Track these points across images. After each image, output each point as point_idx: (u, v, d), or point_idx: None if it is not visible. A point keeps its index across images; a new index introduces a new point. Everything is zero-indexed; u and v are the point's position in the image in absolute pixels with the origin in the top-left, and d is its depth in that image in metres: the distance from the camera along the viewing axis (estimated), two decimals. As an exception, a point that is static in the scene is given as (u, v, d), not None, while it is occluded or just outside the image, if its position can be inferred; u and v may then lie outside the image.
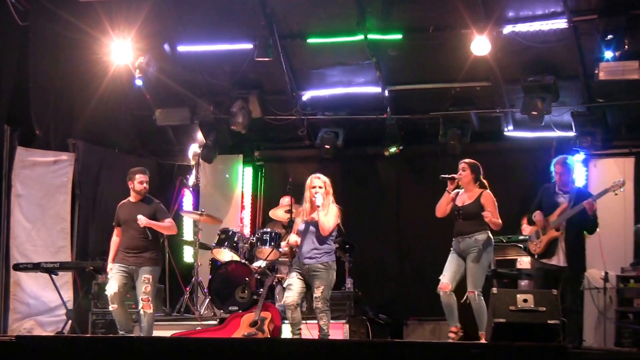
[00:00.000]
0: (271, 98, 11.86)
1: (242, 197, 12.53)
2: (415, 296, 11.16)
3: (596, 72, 9.95)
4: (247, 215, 12.44)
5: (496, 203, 8.35)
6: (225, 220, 11.80)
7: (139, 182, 8.85)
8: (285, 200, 10.06)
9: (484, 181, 8.49)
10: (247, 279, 9.92)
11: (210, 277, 10.58)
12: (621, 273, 10.15)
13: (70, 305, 10.46)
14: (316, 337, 8.21)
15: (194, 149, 12.21)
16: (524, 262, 10.01)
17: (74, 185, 11.15)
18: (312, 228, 8.16)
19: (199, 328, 9.56)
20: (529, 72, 10.63)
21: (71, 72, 11.11)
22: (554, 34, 10.35)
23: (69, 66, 11.08)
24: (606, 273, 9.99)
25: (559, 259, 8.39)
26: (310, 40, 11.21)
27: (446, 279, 8.27)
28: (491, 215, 8.20)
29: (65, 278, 10.69)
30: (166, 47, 11.41)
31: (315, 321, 8.19)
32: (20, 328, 10.46)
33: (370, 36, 10.91)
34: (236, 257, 10.48)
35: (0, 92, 10.58)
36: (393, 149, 11.46)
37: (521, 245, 9.84)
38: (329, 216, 8.13)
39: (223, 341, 7.91)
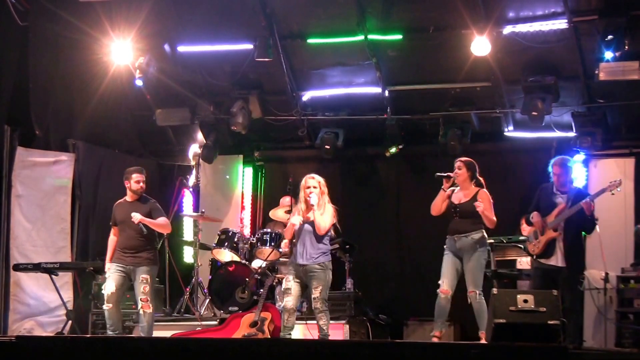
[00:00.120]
0: (271, 98, 11.86)
1: (242, 198, 12.52)
2: (415, 296, 11.15)
3: (596, 72, 9.95)
4: (247, 215, 12.44)
5: (492, 202, 8.34)
6: (225, 220, 11.80)
7: (135, 181, 8.85)
8: (286, 200, 10.07)
9: (480, 179, 8.49)
10: (247, 279, 9.92)
11: (210, 277, 10.59)
12: (621, 273, 10.15)
13: (70, 305, 10.47)
14: (316, 337, 8.20)
15: (194, 149, 12.20)
16: (524, 262, 10.02)
17: (74, 185, 11.16)
18: (308, 228, 8.17)
19: (199, 328, 9.56)
20: (529, 73, 10.63)
21: (71, 72, 11.11)
22: (554, 34, 10.35)
23: (69, 66, 11.08)
24: (606, 273, 9.99)
25: (557, 259, 8.39)
26: (310, 41, 11.21)
27: (446, 285, 8.27)
28: (485, 209, 8.20)
29: (65, 278, 10.69)
30: (166, 47, 11.41)
31: (316, 321, 8.18)
32: (20, 328, 10.46)
33: (371, 36, 10.91)
34: (236, 258, 10.48)
35: (0, 92, 10.58)
36: (393, 149, 11.46)
37: (521, 246, 9.83)
38: (325, 216, 8.15)
39: (223, 341, 7.91)
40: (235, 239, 10.56)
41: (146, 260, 8.72)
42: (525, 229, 8.73)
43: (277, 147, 12.51)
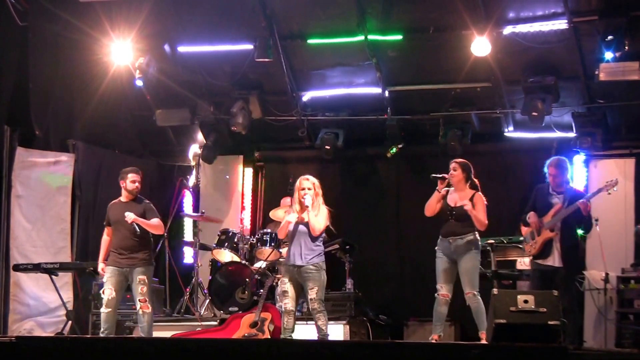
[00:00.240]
0: (271, 99, 11.86)
1: (243, 198, 12.53)
2: (415, 297, 11.14)
3: (596, 73, 9.96)
4: (247, 216, 12.44)
5: (486, 204, 8.32)
6: (226, 221, 11.80)
7: (131, 181, 8.84)
8: (286, 201, 10.08)
9: (475, 181, 8.48)
10: (247, 279, 9.92)
11: (210, 277, 10.57)
12: (622, 274, 10.15)
13: (70, 306, 10.47)
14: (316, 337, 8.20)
15: (194, 149, 12.21)
16: (524, 263, 10.00)
17: (74, 186, 11.15)
18: (302, 229, 8.17)
19: (199, 329, 9.56)
20: (529, 73, 10.63)
21: (71, 73, 11.11)
22: (555, 34, 10.35)
23: (68, 67, 11.08)
24: (606, 274, 9.98)
25: (554, 260, 8.38)
26: (310, 41, 11.21)
27: (445, 289, 8.27)
28: (476, 212, 8.18)
29: (65, 279, 10.68)
30: (166, 47, 11.41)
31: (314, 322, 8.18)
32: (20, 329, 10.46)
33: (371, 37, 10.91)
34: (236, 258, 10.48)
35: (0, 92, 10.58)
36: (394, 150, 11.46)
37: (521, 246, 9.82)
38: (320, 217, 8.15)
39: (223, 342, 7.90)
40: (235, 240, 10.57)
41: (142, 261, 8.70)
42: (522, 230, 8.73)
43: (277, 148, 12.52)
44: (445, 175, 8.44)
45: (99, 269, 8.85)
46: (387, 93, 11.41)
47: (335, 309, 9.74)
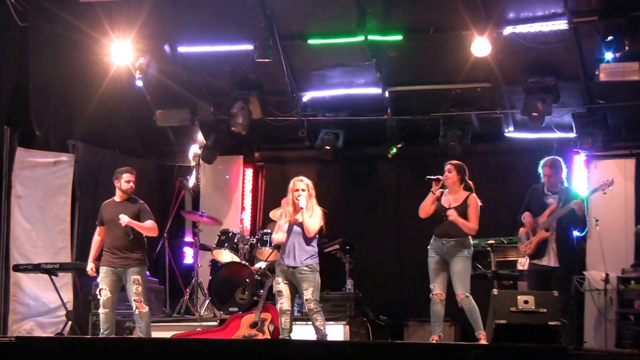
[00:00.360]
0: (271, 99, 11.86)
1: (243, 198, 12.52)
2: (415, 297, 11.11)
3: (597, 73, 9.96)
4: (247, 216, 12.44)
5: (480, 206, 8.30)
6: (226, 221, 11.79)
7: (125, 181, 8.82)
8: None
9: (470, 182, 8.47)
10: (247, 280, 9.92)
11: (210, 278, 10.57)
12: (622, 274, 10.15)
13: (70, 306, 10.46)
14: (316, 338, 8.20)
15: (194, 149, 12.21)
16: (524, 263, 9.99)
17: (74, 186, 11.15)
18: (296, 230, 8.18)
19: (199, 329, 9.55)
20: (529, 73, 10.63)
21: (71, 73, 11.10)
22: (555, 35, 10.35)
23: (68, 67, 11.07)
24: (607, 274, 9.99)
25: (549, 260, 8.38)
26: (310, 41, 11.21)
27: (439, 289, 8.26)
28: (463, 220, 8.17)
29: (65, 279, 10.68)
30: (166, 47, 11.41)
31: (311, 323, 8.18)
32: (20, 329, 10.45)
33: (371, 37, 10.91)
34: (236, 258, 10.48)
35: (0, 92, 10.57)
36: (394, 150, 11.45)
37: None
38: (314, 218, 8.16)
39: (223, 342, 7.90)
40: (235, 240, 10.57)
41: (135, 261, 8.67)
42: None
43: (277, 148, 12.52)
44: (440, 177, 8.43)
45: (88, 269, 8.82)
46: (387, 93, 11.41)
47: (335, 310, 9.74)
